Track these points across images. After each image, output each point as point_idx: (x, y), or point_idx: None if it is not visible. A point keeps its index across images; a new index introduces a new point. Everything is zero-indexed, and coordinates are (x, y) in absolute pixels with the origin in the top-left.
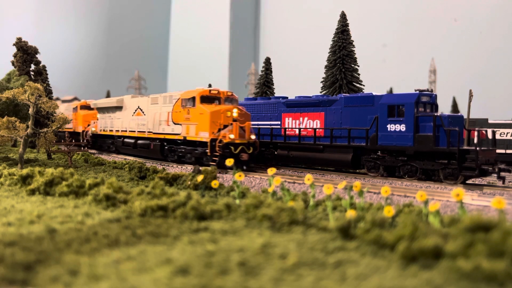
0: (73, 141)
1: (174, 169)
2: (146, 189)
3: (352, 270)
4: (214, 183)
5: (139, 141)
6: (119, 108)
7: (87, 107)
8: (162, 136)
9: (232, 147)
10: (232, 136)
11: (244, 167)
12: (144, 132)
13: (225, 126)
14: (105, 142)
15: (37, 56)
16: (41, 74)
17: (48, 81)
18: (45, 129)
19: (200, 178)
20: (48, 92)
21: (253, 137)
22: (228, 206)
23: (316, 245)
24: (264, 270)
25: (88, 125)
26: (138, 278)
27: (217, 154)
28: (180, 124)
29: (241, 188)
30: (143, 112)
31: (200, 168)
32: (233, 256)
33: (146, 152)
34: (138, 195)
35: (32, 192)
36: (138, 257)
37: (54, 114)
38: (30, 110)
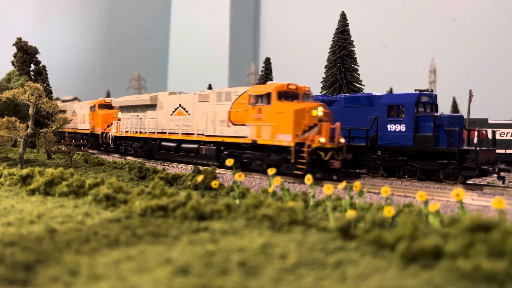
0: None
1: (174, 169)
2: (146, 189)
3: (352, 270)
4: (214, 183)
5: (184, 145)
6: (151, 106)
7: (106, 105)
8: (219, 139)
9: (322, 153)
10: (322, 140)
11: (334, 177)
12: (192, 134)
13: (310, 128)
14: (132, 146)
15: (37, 56)
16: (41, 74)
17: (48, 81)
18: (45, 129)
19: (200, 178)
20: (48, 92)
21: (342, 140)
22: (228, 206)
23: (316, 245)
24: (264, 270)
25: (108, 126)
26: (138, 278)
27: (304, 161)
28: (247, 125)
29: (241, 188)
30: (186, 112)
31: (200, 168)
32: (233, 256)
33: (194, 158)
34: (138, 195)
35: (32, 192)
36: (138, 257)
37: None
38: (30, 110)
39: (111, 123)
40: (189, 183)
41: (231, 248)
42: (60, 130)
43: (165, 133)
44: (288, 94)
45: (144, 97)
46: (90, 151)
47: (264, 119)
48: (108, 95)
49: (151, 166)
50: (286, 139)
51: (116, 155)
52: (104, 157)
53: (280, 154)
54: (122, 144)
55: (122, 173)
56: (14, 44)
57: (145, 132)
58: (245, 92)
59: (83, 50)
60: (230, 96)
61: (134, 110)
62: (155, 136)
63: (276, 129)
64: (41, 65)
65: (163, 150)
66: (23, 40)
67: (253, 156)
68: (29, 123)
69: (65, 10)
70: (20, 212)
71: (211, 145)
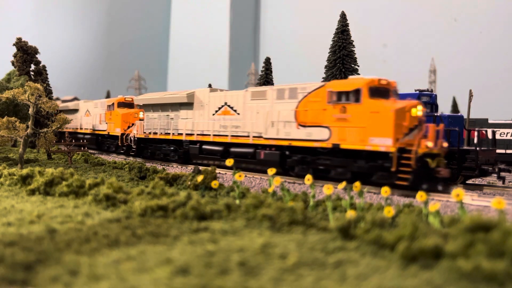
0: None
1: (174, 169)
2: (146, 189)
3: (352, 270)
4: (214, 183)
5: (234, 149)
6: (186, 105)
7: (126, 104)
8: (284, 143)
9: (429, 160)
10: (430, 144)
11: (440, 187)
12: (245, 136)
13: (410, 130)
14: (161, 149)
15: (37, 56)
16: (41, 74)
17: (48, 81)
18: (45, 129)
19: (200, 178)
20: (48, 92)
21: (445, 144)
22: (228, 206)
23: (316, 245)
24: (264, 270)
25: (129, 126)
26: (138, 278)
27: (409, 170)
28: (325, 127)
29: (241, 188)
30: (234, 111)
31: (200, 168)
32: (233, 256)
33: (247, 163)
34: (138, 195)
35: (32, 192)
36: (138, 257)
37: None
38: (30, 110)
39: (132, 124)
40: (189, 183)
41: (231, 248)
42: (68, 130)
43: (209, 135)
44: (380, 91)
45: (178, 94)
46: (97, 152)
47: (350, 120)
48: (108, 95)
49: (151, 166)
50: (384, 144)
51: (139, 159)
52: (104, 157)
53: (374, 161)
54: (148, 147)
55: (122, 173)
56: (14, 44)
57: (180, 134)
58: (318, 88)
59: (83, 50)
60: (296, 93)
61: (163, 109)
62: (194, 138)
63: (368, 131)
64: (41, 65)
65: (205, 154)
66: (23, 40)
67: (332, 163)
68: (29, 123)
69: (65, 10)
70: (20, 212)
71: (273, 149)
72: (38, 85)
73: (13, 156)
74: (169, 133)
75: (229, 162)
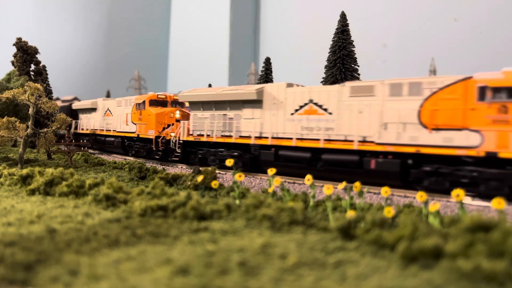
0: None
1: (174, 169)
2: (146, 189)
3: (352, 270)
4: (214, 183)
5: (328, 156)
6: (252, 102)
7: (159, 102)
8: (410, 150)
9: None
10: None
11: None
12: (343, 141)
13: None
14: (217, 154)
15: (37, 56)
16: (41, 74)
17: (48, 81)
18: (45, 129)
19: (200, 178)
20: (48, 92)
21: None
22: (228, 206)
23: (316, 245)
24: (264, 270)
25: (164, 128)
26: (138, 278)
27: None
28: (475, 131)
29: (241, 188)
30: (324, 110)
31: (200, 168)
32: (233, 256)
33: (349, 173)
34: (138, 195)
35: (32, 192)
36: (138, 257)
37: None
38: (30, 110)
39: (168, 125)
40: (189, 183)
41: (231, 248)
42: (81, 131)
43: (289, 138)
44: None
45: (243, 90)
46: (97, 152)
47: None
48: (108, 95)
49: (151, 166)
50: None
51: (183, 165)
52: (104, 157)
53: None
54: (198, 152)
55: (122, 173)
56: (14, 44)
57: (244, 137)
58: (456, 82)
59: (83, 50)
60: (420, 89)
61: (218, 108)
62: (268, 142)
63: None
64: (41, 65)
65: (283, 161)
66: (23, 40)
67: (483, 175)
68: (29, 123)
69: (65, 10)
70: (20, 212)
71: (390, 157)
72: (38, 85)
73: (13, 156)
74: (227, 136)
75: (229, 162)
